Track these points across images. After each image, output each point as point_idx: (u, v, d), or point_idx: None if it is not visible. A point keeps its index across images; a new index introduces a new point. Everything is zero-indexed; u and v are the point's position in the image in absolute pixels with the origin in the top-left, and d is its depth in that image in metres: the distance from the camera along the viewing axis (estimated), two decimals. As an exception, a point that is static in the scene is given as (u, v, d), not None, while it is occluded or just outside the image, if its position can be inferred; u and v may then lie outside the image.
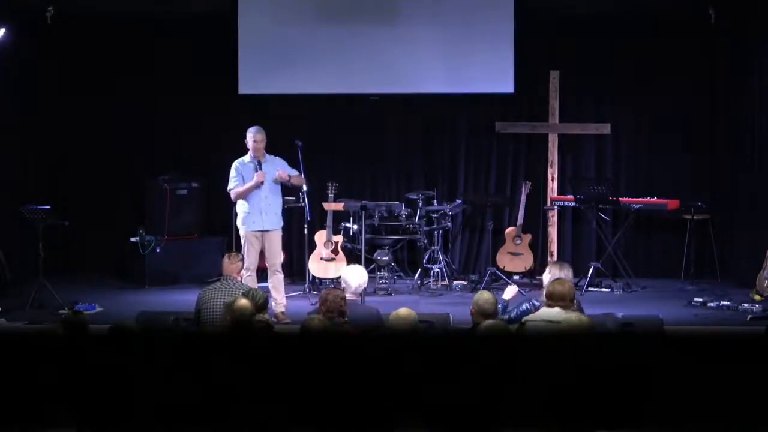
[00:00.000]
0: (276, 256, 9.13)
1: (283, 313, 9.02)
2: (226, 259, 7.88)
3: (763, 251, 9.89)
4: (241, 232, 9.19)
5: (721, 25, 10.75)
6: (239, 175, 9.12)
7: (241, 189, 9.06)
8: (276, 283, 9.10)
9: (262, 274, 11.03)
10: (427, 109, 11.38)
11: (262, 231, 9.08)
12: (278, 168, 9.16)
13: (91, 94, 11.26)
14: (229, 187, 9.18)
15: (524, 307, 7.12)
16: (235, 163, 9.18)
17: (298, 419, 4.64)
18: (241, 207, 9.15)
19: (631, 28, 11.10)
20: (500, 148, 11.42)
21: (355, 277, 7.59)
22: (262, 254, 9.17)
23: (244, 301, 6.50)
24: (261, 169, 9.04)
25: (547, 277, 7.36)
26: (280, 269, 9.18)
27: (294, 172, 9.31)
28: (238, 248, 11.05)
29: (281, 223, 9.24)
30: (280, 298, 9.08)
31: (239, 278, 7.80)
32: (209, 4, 11.06)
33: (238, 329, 6.26)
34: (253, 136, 9.08)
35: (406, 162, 11.46)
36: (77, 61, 11.23)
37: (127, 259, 10.95)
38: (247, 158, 9.17)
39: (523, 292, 9.88)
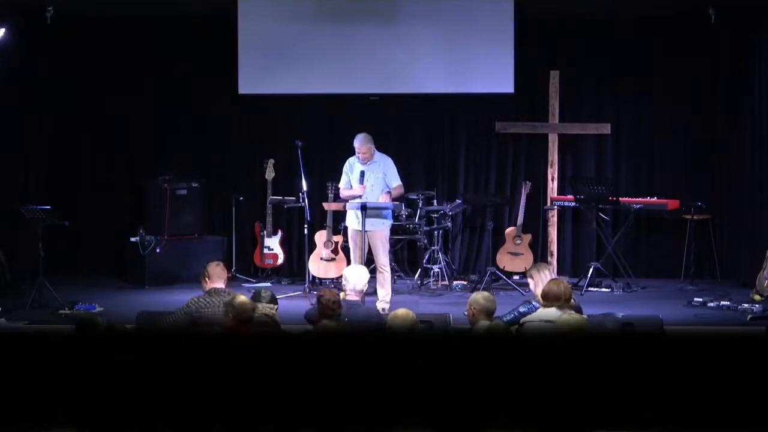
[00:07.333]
0: (378, 256, 9.28)
1: (383, 309, 8.93)
2: (217, 268, 7.30)
3: (763, 251, 9.90)
4: (349, 229, 9.48)
5: (721, 25, 10.74)
6: (345, 174, 9.50)
7: (345, 193, 9.49)
8: (381, 280, 9.28)
9: (260, 273, 11.10)
10: (426, 109, 11.38)
11: (361, 231, 9.22)
12: (381, 172, 9.38)
13: (91, 93, 11.25)
14: (339, 184, 9.61)
15: (523, 309, 7.11)
16: (347, 162, 9.53)
17: (294, 419, 4.63)
18: (346, 205, 9.48)
19: (631, 28, 11.10)
20: (500, 148, 11.42)
21: (354, 276, 7.64)
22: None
23: (243, 297, 6.56)
24: (364, 181, 9.30)
25: (531, 283, 7.43)
26: (385, 269, 9.32)
27: (395, 181, 9.47)
28: (238, 248, 11.14)
29: (384, 223, 9.36)
30: (383, 294, 9.24)
31: (227, 288, 7.29)
32: (209, 4, 11.04)
33: (241, 325, 6.33)
34: (357, 148, 9.36)
35: (406, 162, 11.42)
36: (77, 61, 11.22)
37: (127, 259, 10.94)
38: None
39: (523, 292, 9.91)
